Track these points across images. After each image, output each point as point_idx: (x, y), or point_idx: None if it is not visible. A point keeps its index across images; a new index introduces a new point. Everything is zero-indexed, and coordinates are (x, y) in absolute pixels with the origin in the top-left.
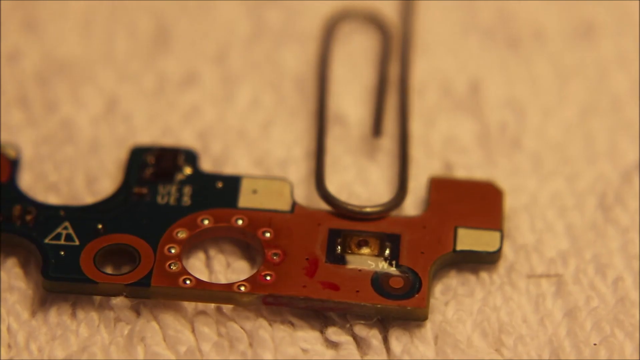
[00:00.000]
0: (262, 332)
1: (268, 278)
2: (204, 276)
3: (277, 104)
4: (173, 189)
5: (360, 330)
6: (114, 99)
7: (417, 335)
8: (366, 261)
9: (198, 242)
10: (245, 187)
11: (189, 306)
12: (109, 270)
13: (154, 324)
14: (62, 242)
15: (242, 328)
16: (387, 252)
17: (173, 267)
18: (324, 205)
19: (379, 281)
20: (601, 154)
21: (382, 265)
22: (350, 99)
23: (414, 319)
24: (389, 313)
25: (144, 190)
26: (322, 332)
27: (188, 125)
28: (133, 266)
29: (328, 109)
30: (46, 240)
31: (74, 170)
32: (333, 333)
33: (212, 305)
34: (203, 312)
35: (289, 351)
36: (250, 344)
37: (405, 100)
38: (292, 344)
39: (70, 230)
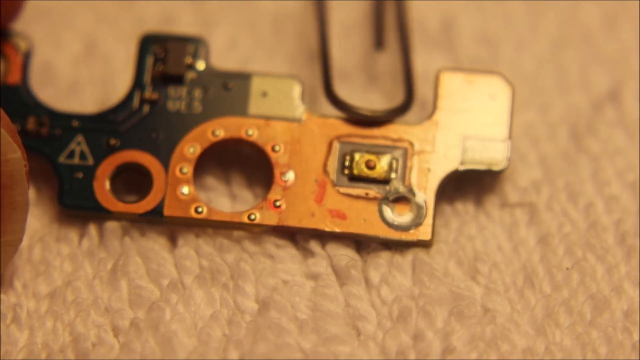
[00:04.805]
0: (243, 264)
1: (278, 204)
2: (215, 194)
3: (255, 44)
4: (184, 91)
5: (339, 260)
6: (93, 41)
7: (395, 265)
8: (374, 183)
9: (209, 158)
10: (255, 87)
11: (172, 239)
12: (121, 189)
13: (137, 258)
14: (76, 161)
15: (223, 261)
16: (394, 174)
17: (185, 193)
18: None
19: (385, 209)
20: (573, 85)
21: (390, 189)
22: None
23: (419, 246)
24: (395, 242)
25: (155, 96)
26: (301, 263)
27: None
28: (145, 189)
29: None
30: (60, 159)
31: None
32: (313, 264)
33: (194, 237)
34: (185, 246)
35: (269, 282)
36: (232, 276)
37: (403, 11)
38: (273, 275)
39: (84, 146)
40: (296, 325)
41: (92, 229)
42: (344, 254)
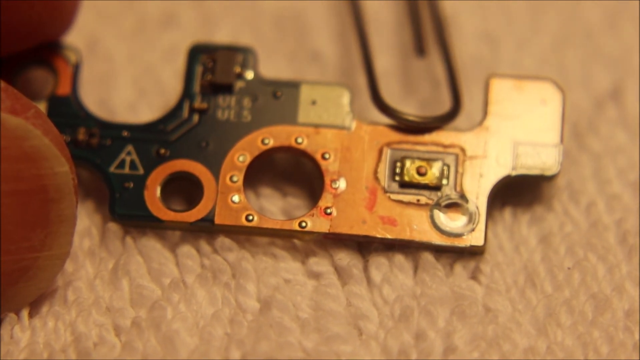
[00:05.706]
0: (245, 263)
1: (329, 212)
2: (266, 202)
3: (256, 44)
4: (233, 100)
5: (341, 260)
6: (94, 39)
7: (397, 264)
8: (425, 190)
9: (259, 166)
10: (304, 95)
11: (173, 238)
12: (171, 197)
13: (138, 257)
14: (126, 171)
15: (225, 260)
16: (445, 180)
17: (236, 201)
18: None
19: (437, 215)
20: (574, 83)
21: (441, 195)
22: (328, 36)
23: (471, 253)
24: (446, 249)
25: (204, 105)
26: (303, 262)
27: (168, 65)
28: (196, 198)
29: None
30: (111, 169)
31: None
32: (314, 264)
33: (195, 236)
34: (187, 245)
35: (271, 282)
36: (233, 275)
37: (438, 12)
38: (275, 274)
39: (134, 156)
40: (298, 324)
41: (93, 229)
42: (346, 253)
